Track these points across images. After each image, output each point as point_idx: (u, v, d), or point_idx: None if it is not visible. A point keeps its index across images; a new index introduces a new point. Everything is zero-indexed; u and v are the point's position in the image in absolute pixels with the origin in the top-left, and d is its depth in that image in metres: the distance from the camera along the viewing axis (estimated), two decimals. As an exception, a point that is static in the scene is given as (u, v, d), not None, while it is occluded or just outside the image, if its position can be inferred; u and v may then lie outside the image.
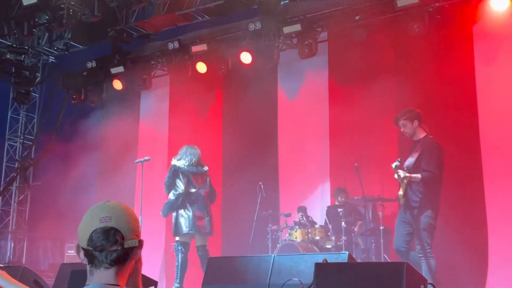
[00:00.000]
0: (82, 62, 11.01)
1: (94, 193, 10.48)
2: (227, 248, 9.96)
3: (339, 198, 8.66)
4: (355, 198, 8.31)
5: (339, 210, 8.33)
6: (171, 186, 7.71)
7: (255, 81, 9.77)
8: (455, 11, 8.23)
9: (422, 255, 6.24)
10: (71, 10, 10.07)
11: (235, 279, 5.25)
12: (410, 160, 6.42)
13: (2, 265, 6.49)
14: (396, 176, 6.30)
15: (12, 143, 12.65)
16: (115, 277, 1.91)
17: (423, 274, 5.59)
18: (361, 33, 8.77)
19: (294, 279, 4.73)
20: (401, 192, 6.34)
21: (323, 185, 9.22)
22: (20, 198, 12.52)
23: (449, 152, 6.82)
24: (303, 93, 9.75)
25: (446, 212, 7.22)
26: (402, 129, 6.60)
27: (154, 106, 11.03)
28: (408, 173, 6.28)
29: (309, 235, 8.09)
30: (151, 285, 4.88)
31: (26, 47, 11.66)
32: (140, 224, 2.06)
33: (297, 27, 8.99)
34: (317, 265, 4.16)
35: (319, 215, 8.77)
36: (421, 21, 8.19)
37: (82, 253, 1.93)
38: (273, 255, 5.25)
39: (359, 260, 7.47)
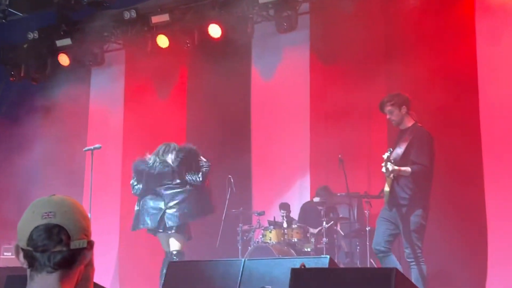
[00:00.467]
0: (22, 32, 10.87)
1: (36, 186, 10.37)
2: (190, 251, 9.97)
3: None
4: (338, 194, 8.37)
5: (320, 208, 8.37)
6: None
7: (225, 58, 9.75)
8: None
9: (412, 259, 6.23)
10: (9, -29, 9.96)
11: (199, 287, 5.26)
12: (397, 151, 6.34)
13: None
14: (383, 169, 6.19)
15: None
16: (59, 283, 1.88)
17: (413, 281, 5.65)
18: (348, 5, 8.76)
19: (267, 286, 4.75)
20: (387, 189, 6.28)
21: (302, 180, 9.27)
22: None
23: (446, 145, 6.88)
24: (280, 73, 9.76)
25: (443, 212, 7.33)
26: (388, 116, 6.55)
27: (107, 86, 10.96)
28: (396, 166, 6.22)
29: (286, 237, 8.14)
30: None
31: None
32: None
33: (274, -4, 9.00)
34: (294, 270, 4.18)
35: (297, 214, 8.83)
36: (417, -9, 8.25)
37: (21, 254, 1.91)
38: (243, 259, 5.26)
39: (341, 265, 7.54)
